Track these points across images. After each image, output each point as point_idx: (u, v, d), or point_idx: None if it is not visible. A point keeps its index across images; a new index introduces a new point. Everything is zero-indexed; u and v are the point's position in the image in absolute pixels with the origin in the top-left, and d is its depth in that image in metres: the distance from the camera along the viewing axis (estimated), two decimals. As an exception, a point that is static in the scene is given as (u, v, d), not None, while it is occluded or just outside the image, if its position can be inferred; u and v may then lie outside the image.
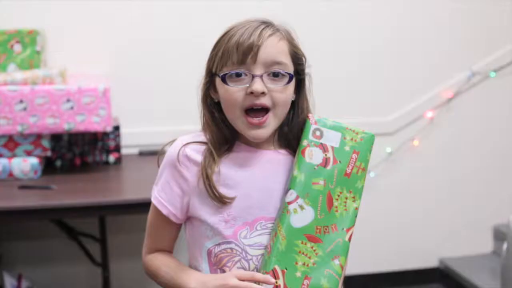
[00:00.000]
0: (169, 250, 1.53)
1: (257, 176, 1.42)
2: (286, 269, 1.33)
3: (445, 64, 3.46)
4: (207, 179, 1.39)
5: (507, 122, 3.57)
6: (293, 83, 1.40)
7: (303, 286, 1.33)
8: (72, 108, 2.64)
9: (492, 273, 3.28)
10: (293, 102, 1.44)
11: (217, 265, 1.41)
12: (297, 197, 1.35)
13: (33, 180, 2.62)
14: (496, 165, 3.59)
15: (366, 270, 3.48)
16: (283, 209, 1.36)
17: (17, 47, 2.80)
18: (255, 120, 1.37)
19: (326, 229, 1.35)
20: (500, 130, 3.57)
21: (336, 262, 1.35)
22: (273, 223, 1.38)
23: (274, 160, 1.44)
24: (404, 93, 3.44)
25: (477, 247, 3.60)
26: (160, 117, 3.15)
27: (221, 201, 1.38)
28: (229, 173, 1.41)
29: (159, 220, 1.48)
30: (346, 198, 1.37)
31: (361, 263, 3.43)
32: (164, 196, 1.45)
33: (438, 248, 3.58)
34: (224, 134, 1.43)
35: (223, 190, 1.39)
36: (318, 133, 1.39)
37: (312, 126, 1.39)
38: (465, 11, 3.43)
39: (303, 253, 1.34)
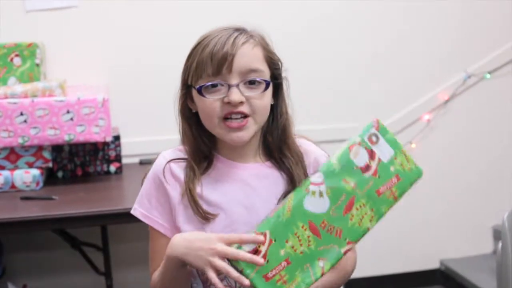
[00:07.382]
0: None
1: (239, 192, 1.40)
2: (275, 240, 1.27)
3: (440, 66, 3.47)
4: (190, 194, 1.38)
5: (504, 123, 3.58)
6: (270, 89, 1.39)
7: (279, 266, 1.27)
8: (72, 119, 2.66)
9: (493, 274, 3.28)
10: (272, 107, 1.43)
11: (207, 282, 1.40)
12: (322, 182, 1.30)
13: (35, 191, 2.64)
14: (494, 165, 3.60)
15: (367, 273, 3.49)
16: (304, 185, 1.31)
17: (17, 60, 2.83)
18: (234, 123, 1.35)
19: (331, 228, 1.29)
20: (497, 131, 3.58)
21: (320, 263, 1.29)
22: None
23: (258, 174, 1.41)
24: (400, 96, 3.45)
25: (477, 248, 3.60)
26: (160, 126, 3.15)
27: (204, 217, 1.37)
28: (211, 191, 1.40)
29: (159, 243, 1.43)
30: (365, 213, 1.31)
31: (362, 267, 3.41)
32: (157, 214, 1.44)
33: (438, 249, 3.59)
34: (202, 147, 1.42)
35: (205, 208, 1.38)
36: (374, 138, 1.35)
37: (372, 129, 1.36)
38: (458, 12, 3.45)
39: (298, 237, 1.28)
